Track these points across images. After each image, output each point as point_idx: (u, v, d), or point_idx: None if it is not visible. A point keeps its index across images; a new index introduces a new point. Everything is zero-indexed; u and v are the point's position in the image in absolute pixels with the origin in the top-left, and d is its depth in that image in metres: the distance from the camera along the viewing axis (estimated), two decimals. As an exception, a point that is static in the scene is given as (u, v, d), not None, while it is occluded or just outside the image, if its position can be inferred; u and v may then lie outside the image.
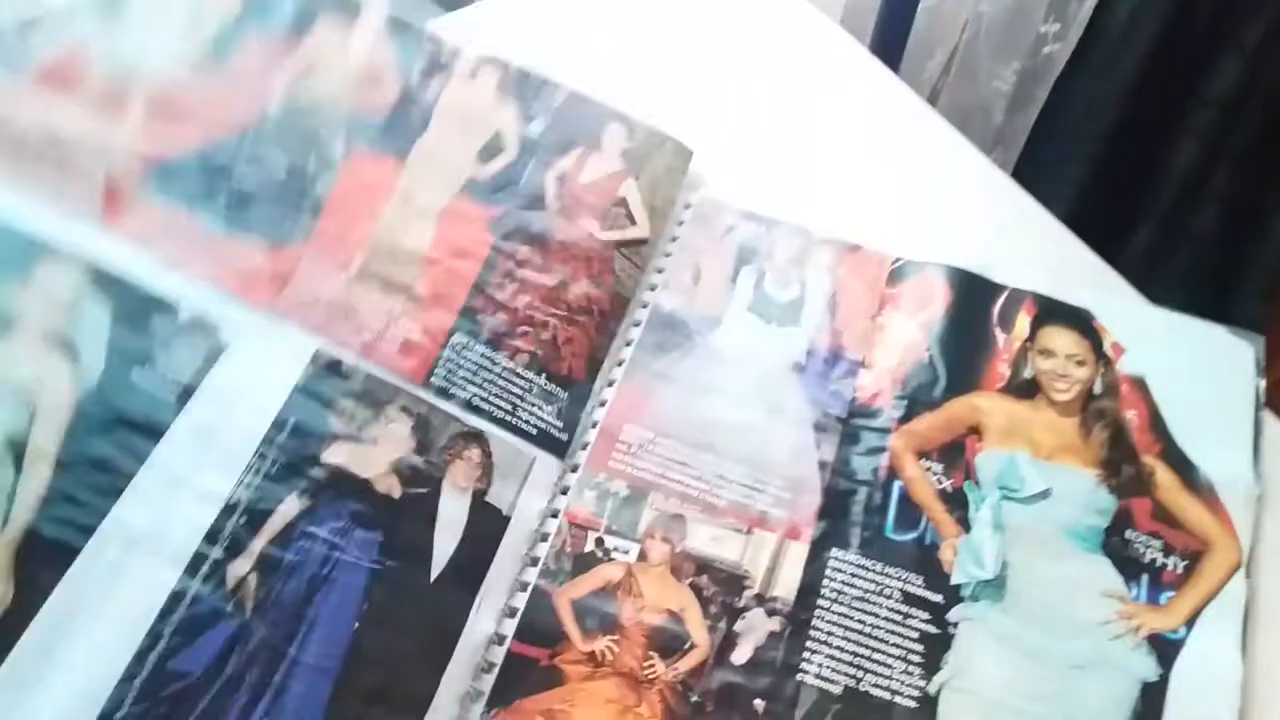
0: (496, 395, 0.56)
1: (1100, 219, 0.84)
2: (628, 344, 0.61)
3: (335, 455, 0.52)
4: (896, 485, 0.58)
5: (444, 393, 0.55)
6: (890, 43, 1.03)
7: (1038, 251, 0.70)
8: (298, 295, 0.54)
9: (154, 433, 0.48)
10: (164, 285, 0.52)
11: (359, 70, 0.61)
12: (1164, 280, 0.80)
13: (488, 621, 0.51)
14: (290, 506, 0.50)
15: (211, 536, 0.48)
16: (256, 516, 0.49)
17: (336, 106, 0.59)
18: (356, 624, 0.49)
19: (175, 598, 0.46)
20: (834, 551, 0.56)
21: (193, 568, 0.47)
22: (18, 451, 0.45)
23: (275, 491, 0.50)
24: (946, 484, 0.58)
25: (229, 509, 0.49)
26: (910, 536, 0.57)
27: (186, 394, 0.50)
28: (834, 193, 0.71)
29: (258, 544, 0.49)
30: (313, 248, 0.56)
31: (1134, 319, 0.64)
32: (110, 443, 0.47)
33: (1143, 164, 1.11)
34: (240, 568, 0.48)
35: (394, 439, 0.53)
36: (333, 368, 0.53)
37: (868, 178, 0.73)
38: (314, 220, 0.56)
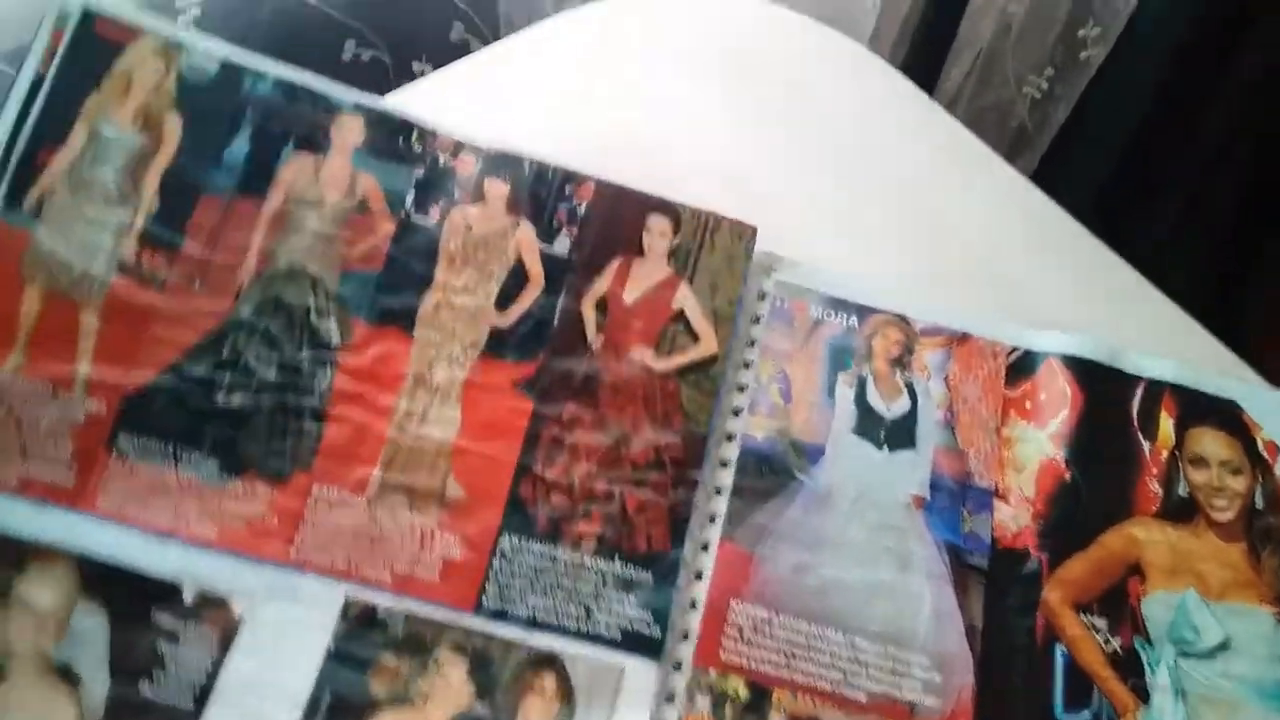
0: (564, 601, 0.47)
1: (1122, 216, 0.73)
2: (717, 492, 0.51)
3: (383, 729, 0.44)
4: (1059, 650, 0.49)
5: (500, 615, 0.47)
6: (924, 57, 0.93)
7: (1146, 322, 0.61)
8: (313, 537, 0.46)
9: (171, 754, 0.42)
10: (160, 564, 0.45)
11: (341, 213, 0.52)
12: (1178, 274, 0.70)
13: None
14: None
15: None
16: (305, 818, 0.42)
17: (323, 267, 0.51)
18: None
19: None
20: None
21: None
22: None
23: (320, 791, 0.42)
24: (1115, 643, 0.49)
25: (273, 818, 0.41)
26: (1084, 715, 0.47)
27: (204, 695, 0.43)
28: (914, 260, 0.59)
29: None
30: (321, 473, 0.48)
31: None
32: (118, 785, 0.40)
33: (1167, 160, 1.05)
34: None
35: (449, 690, 0.45)
36: (366, 618, 0.45)
37: (948, 244, 0.62)
38: (318, 436, 0.48)
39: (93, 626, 0.43)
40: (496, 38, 0.88)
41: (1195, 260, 1.05)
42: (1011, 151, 1.06)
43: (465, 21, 0.87)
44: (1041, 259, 0.63)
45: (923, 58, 0.87)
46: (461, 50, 0.90)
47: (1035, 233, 0.65)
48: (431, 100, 0.57)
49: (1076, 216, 0.66)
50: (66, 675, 0.42)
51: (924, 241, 0.62)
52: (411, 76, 0.89)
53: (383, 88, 0.53)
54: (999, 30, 0.99)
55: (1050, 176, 0.70)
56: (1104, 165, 1.07)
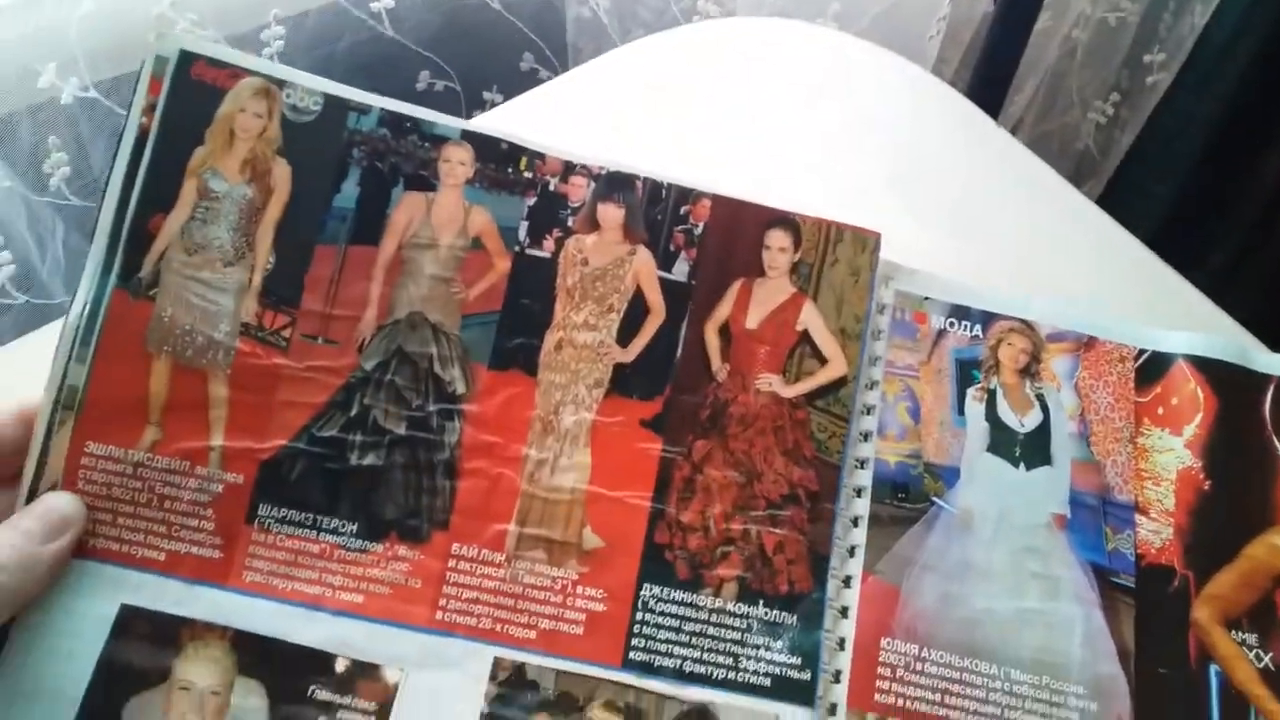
0: (710, 650, 0.47)
1: (1185, 238, 0.71)
2: (854, 524, 0.50)
3: (544, 793, 0.44)
4: (1213, 670, 0.48)
5: (648, 668, 0.46)
6: (988, 83, 0.90)
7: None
8: (457, 599, 0.46)
9: (342, 836, 0.42)
10: (311, 635, 0.45)
11: (456, 253, 0.50)
12: (1245, 300, 0.69)
13: None
14: None
15: None
16: None
17: (443, 313, 0.49)
18: None
19: None
20: None
21: None
22: None
23: None
24: (1267, 660, 0.48)
25: None
26: None
27: (366, 766, 0.43)
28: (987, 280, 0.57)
29: None
30: (458, 532, 0.47)
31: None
32: None
33: (1232, 183, 1.04)
34: None
35: (605, 750, 0.45)
36: (517, 679, 0.46)
37: (1017, 265, 0.64)
38: (451, 493, 0.47)
39: (252, 705, 0.44)
40: (565, 68, 0.87)
41: (1261, 286, 1.03)
42: (1076, 176, 1.05)
43: (534, 52, 0.86)
44: (1111, 284, 0.62)
45: (987, 83, 0.85)
46: (531, 80, 0.88)
47: (1101, 256, 0.65)
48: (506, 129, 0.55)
49: (1140, 241, 0.65)
50: (233, 764, 0.43)
51: (996, 263, 0.61)
52: (483, 106, 0.87)
53: (458, 117, 0.51)
54: (1063, 55, 0.97)
55: (1114, 202, 0.69)
56: (1168, 191, 1.05)
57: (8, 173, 0.71)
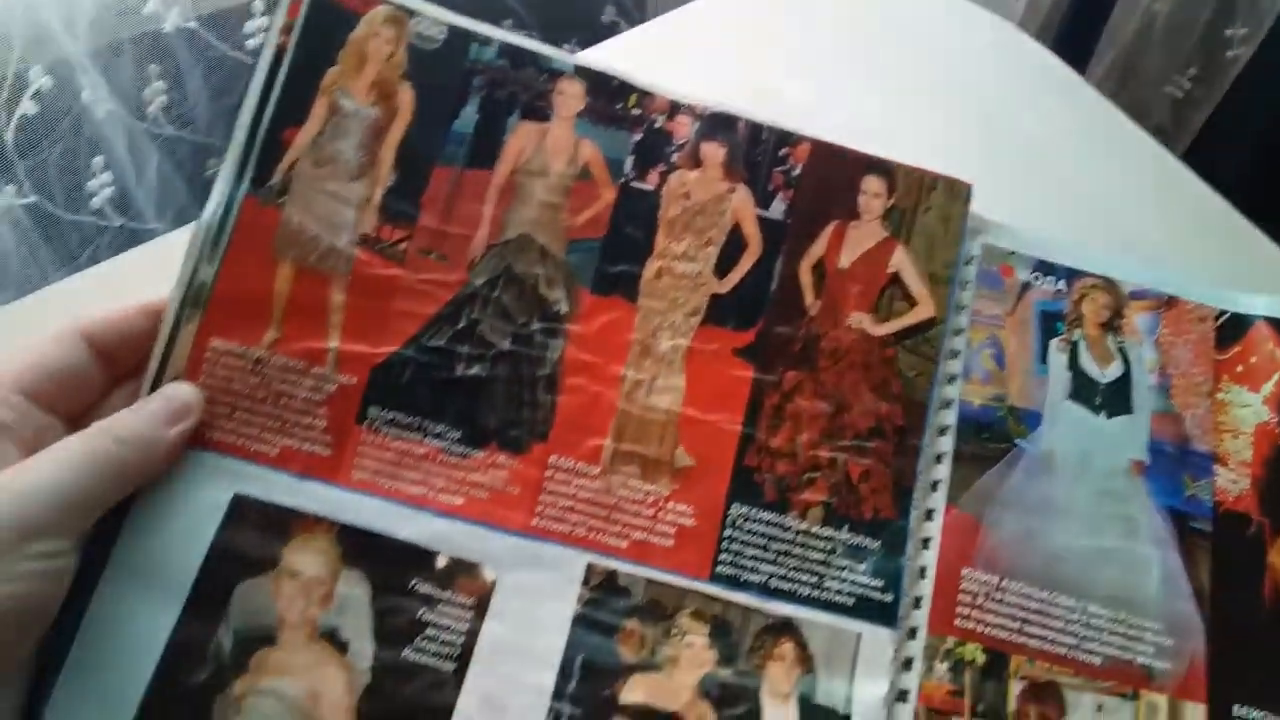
0: (796, 569, 0.48)
1: (1260, 221, 0.71)
2: (937, 460, 0.51)
3: (634, 693, 0.46)
4: None
5: (734, 581, 0.48)
6: (1066, 57, 0.91)
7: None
8: (553, 507, 0.48)
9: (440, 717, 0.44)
10: (413, 532, 0.47)
11: (565, 181, 0.52)
12: None
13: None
14: (600, 765, 0.45)
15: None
16: (567, 785, 0.44)
17: (550, 236, 0.51)
18: None
19: None
20: (1236, 711, 0.47)
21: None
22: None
23: (579, 753, 0.44)
24: None
25: (533, 791, 0.44)
26: None
27: (464, 661, 0.45)
28: (1108, 215, 0.58)
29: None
30: (557, 444, 0.49)
31: None
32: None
33: None
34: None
35: (693, 656, 0.47)
36: (609, 584, 0.47)
37: (1100, 219, 0.65)
38: (552, 407, 0.49)
39: (356, 594, 0.46)
40: (645, 20, 0.89)
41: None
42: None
43: (616, 4, 0.88)
44: (1195, 242, 0.65)
45: (1064, 57, 0.86)
46: (611, 32, 0.90)
47: (1187, 213, 0.67)
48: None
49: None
50: (334, 641, 0.45)
51: (1083, 219, 0.62)
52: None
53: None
54: (1142, 29, 0.97)
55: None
56: (1243, 169, 1.04)
57: (111, 97, 0.74)
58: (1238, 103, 1.02)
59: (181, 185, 0.84)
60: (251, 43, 0.80)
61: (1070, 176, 0.68)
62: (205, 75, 0.79)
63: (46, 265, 0.82)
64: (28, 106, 0.74)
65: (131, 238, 0.84)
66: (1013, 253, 0.56)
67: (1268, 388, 0.54)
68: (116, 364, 0.46)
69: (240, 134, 0.49)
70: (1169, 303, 0.56)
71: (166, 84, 0.79)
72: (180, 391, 0.46)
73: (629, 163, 0.53)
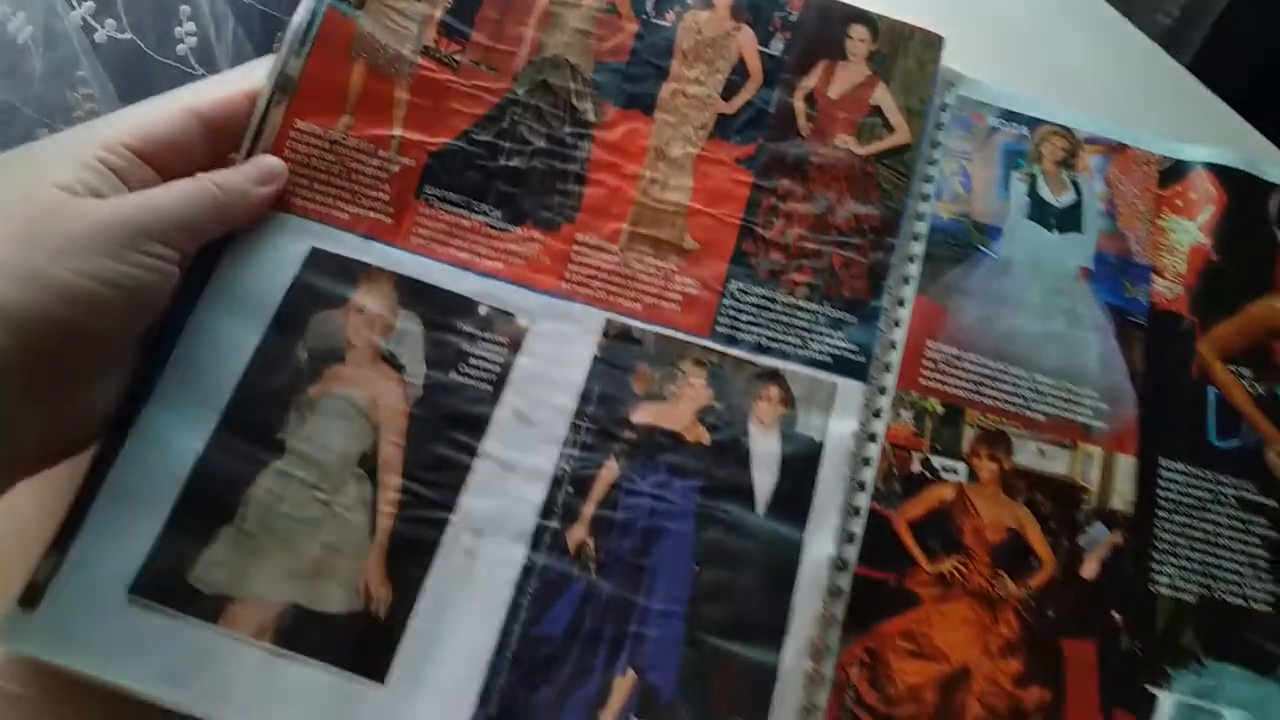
0: (784, 333, 0.57)
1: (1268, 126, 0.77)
2: (910, 260, 0.59)
3: (642, 415, 0.54)
4: (1211, 391, 0.57)
5: (731, 339, 0.56)
6: None
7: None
8: (579, 274, 0.56)
9: (479, 426, 0.52)
10: (460, 287, 0.55)
11: (594, 12, 0.61)
12: None
13: (823, 546, 0.52)
14: (610, 470, 0.53)
15: (546, 511, 0.51)
16: (582, 484, 0.52)
17: (580, 57, 0.60)
18: (695, 565, 0.51)
19: (526, 571, 0.50)
20: (1162, 461, 0.55)
21: (535, 541, 0.51)
22: (369, 466, 0.50)
23: (594, 458, 0.53)
24: (1259, 388, 0.57)
25: (556, 482, 0.52)
26: (1234, 443, 0.55)
27: (499, 384, 0.53)
28: (1076, 82, 0.66)
29: (588, 509, 0.52)
30: (583, 225, 0.58)
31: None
32: (445, 443, 0.51)
33: None
34: (577, 534, 0.51)
35: (693, 392, 0.55)
36: (624, 336, 0.55)
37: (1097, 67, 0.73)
38: (580, 196, 0.58)
39: (411, 329, 0.54)
40: None
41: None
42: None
43: None
44: (1151, 104, 0.73)
45: None
46: None
47: (1150, 82, 0.75)
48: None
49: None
50: (392, 363, 0.53)
51: (1054, 88, 0.70)
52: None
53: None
54: None
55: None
56: (1251, 72, 1.09)
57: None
58: (1218, 37, 1.07)
59: (251, 53, 0.93)
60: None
61: (1040, 46, 0.76)
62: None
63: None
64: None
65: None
66: (983, 103, 0.65)
67: (1202, 218, 0.62)
68: (219, 137, 0.55)
69: (325, -44, 0.58)
70: (1119, 148, 0.64)
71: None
72: (269, 160, 0.55)
73: (650, 2, 0.62)
